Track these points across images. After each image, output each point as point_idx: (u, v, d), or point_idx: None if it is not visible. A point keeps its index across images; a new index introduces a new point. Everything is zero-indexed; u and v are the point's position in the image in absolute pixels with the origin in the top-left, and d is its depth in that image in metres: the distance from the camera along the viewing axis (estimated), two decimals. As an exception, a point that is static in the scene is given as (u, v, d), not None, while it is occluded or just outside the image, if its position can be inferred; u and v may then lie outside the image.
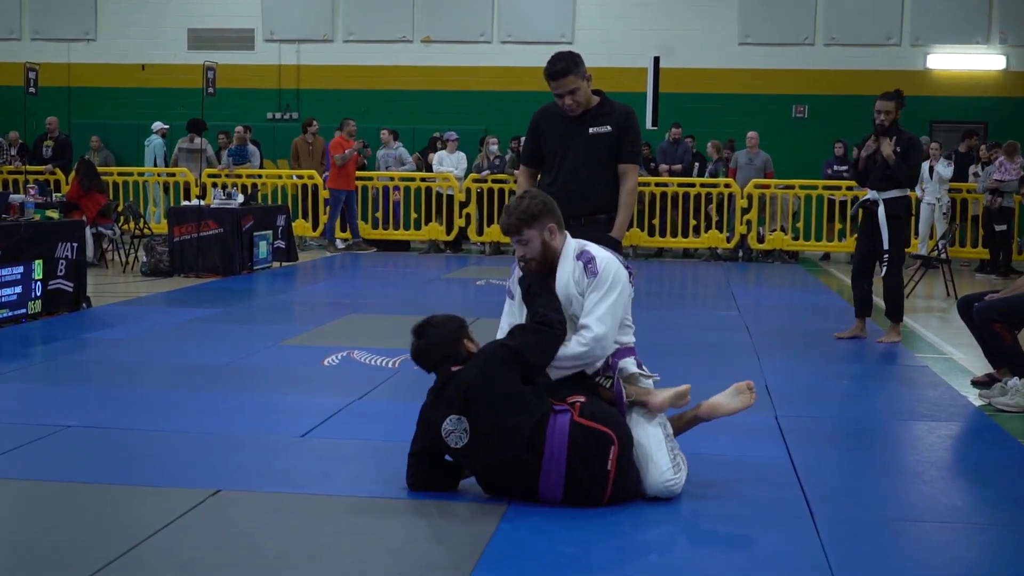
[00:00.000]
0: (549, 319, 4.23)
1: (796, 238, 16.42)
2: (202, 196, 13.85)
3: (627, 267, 4.49)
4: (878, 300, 8.84)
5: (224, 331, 8.58)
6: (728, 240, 16.34)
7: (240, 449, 5.03)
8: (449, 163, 16.96)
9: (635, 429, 4.29)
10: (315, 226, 16.80)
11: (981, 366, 7.08)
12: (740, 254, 16.30)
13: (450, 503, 4.19)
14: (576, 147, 5.50)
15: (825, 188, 16.36)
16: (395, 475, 4.38)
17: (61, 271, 9.16)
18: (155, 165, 18.02)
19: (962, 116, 18.80)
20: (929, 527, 4.15)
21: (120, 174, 17.23)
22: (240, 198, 13.40)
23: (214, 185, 15.23)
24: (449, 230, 16.73)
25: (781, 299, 11.81)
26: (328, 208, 16.45)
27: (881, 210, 8.35)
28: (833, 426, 5.72)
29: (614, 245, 5.50)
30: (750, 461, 4.84)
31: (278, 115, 20.50)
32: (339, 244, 16.44)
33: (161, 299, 10.51)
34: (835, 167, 16.61)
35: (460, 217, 16.65)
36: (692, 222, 16.38)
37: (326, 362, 7.17)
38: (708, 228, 16.40)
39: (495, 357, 4.19)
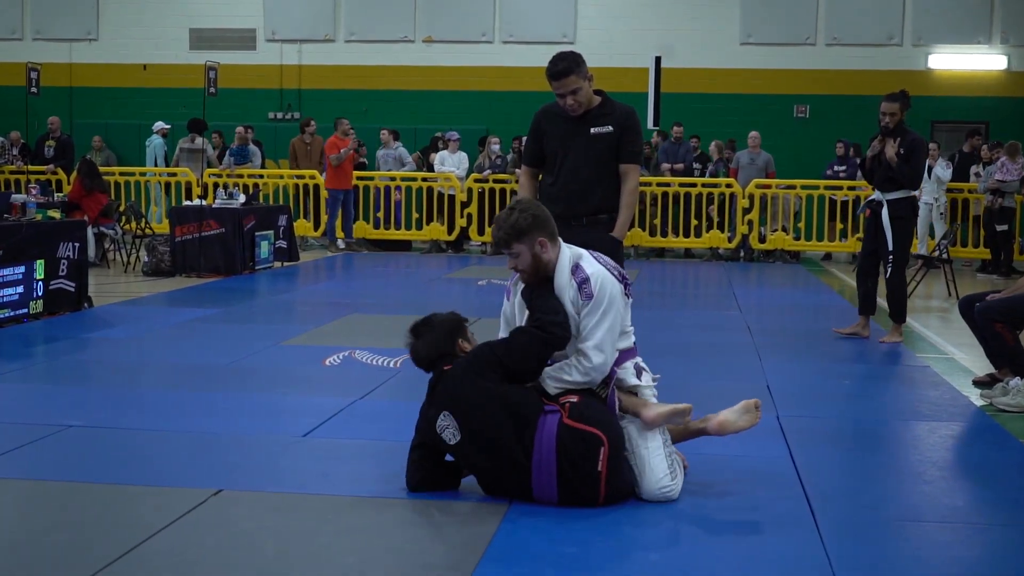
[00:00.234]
0: (545, 322, 4.21)
1: (797, 238, 16.42)
2: (203, 196, 13.86)
3: (622, 277, 4.39)
4: (881, 300, 8.83)
5: (225, 331, 8.58)
6: (729, 240, 16.34)
7: (241, 449, 5.03)
8: (451, 163, 16.97)
9: (632, 434, 4.28)
10: (316, 226, 16.81)
11: (982, 366, 7.07)
12: (741, 254, 16.30)
13: (451, 503, 4.19)
14: (577, 147, 5.50)
15: (826, 188, 16.35)
16: (396, 475, 4.38)
17: (63, 271, 9.17)
18: (155, 165, 18.03)
19: (963, 116, 18.79)
20: (930, 527, 4.15)
21: (122, 174, 17.24)
22: (242, 198, 13.41)
23: (215, 185, 15.24)
24: (450, 230, 16.73)
25: (782, 299, 11.81)
26: (328, 208, 16.47)
27: (885, 211, 8.35)
28: (834, 426, 5.72)
29: (615, 245, 5.52)
30: (751, 461, 4.84)
31: (279, 115, 20.51)
32: (340, 244, 16.45)
33: (163, 299, 10.52)
34: (835, 167, 16.61)
35: (461, 217, 16.66)
36: (694, 222, 16.38)
37: (327, 362, 7.17)
38: (709, 228, 16.40)
39: (480, 359, 4.21)
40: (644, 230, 16.38)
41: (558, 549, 3.74)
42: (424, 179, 16.95)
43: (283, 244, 13.94)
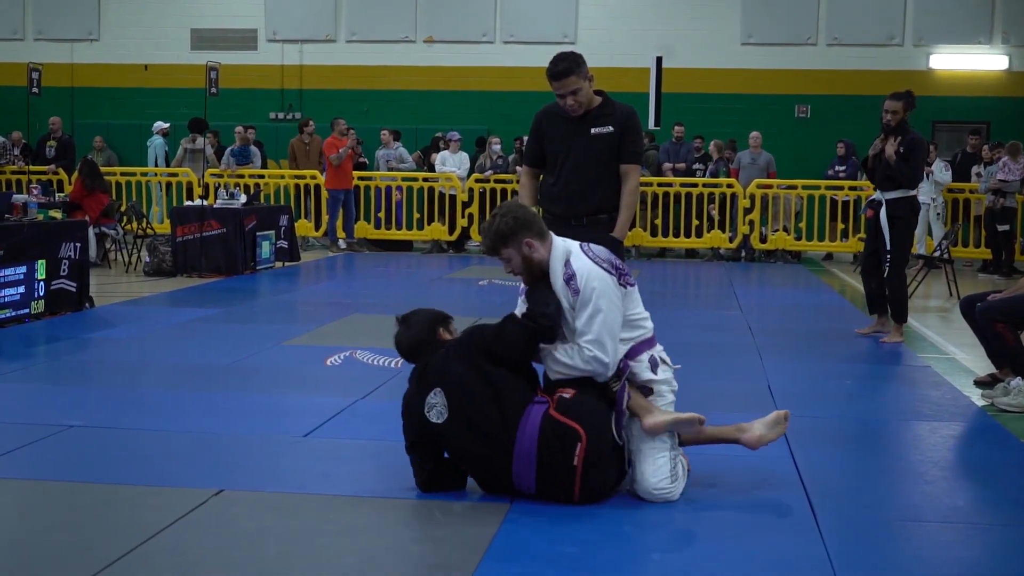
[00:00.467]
0: (535, 314, 4.24)
1: (799, 238, 16.41)
2: (205, 196, 13.86)
3: (614, 268, 4.33)
4: (881, 300, 8.84)
5: (227, 331, 8.59)
6: (731, 240, 16.34)
7: (242, 449, 5.04)
8: (452, 163, 16.98)
9: (635, 432, 4.27)
10: (317, 226, 16.82)
11: (984, 366, 7.07)
12: (743, 254, 16.29)
13: (452, 503, 4.19)
14: (578, 147, 5.51)
15: (827, 188, 16.35)
16: (397, 475, 4.38)
17: (64, 271, 9.17)
18: (156, 165, 18.04)
19: (964, 116, 18.79)
20: (932, 527, 4.15)
21: (123, 174, 17.24)
22: (243, 198, 13.42)
23: (216, 185, 15.25)
24: (451, 230, 16.73)
25: (784, 299, 11.80)
26: (328, 209, 16.48)
27: (883, 210, 8.35)
28: (836, 426, 5.72)
29: (615, 245, 5.51)
30: (752, 461, 4.83)
31: (281, 115, 20.52)
32: (341, 244, 16.46)
33: (164, 299, 10.52)
34: (836, 167, 16.61)
35: (463, 217, 16.66)
36: (695, 222, 16.37)
37: (328, 362, 7.17)
38: (711, 228, 16.40)
39: (470, 342, 4.26)
40: (645, 230, 16.38)
41: (558, 549, 3.74)
42: (425, 179, 16.96)
43: (284, 244, 13.94)
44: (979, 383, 6.82)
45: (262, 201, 14.83)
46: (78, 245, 9.41)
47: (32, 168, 16.72)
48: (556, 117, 5.59)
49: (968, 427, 5.89)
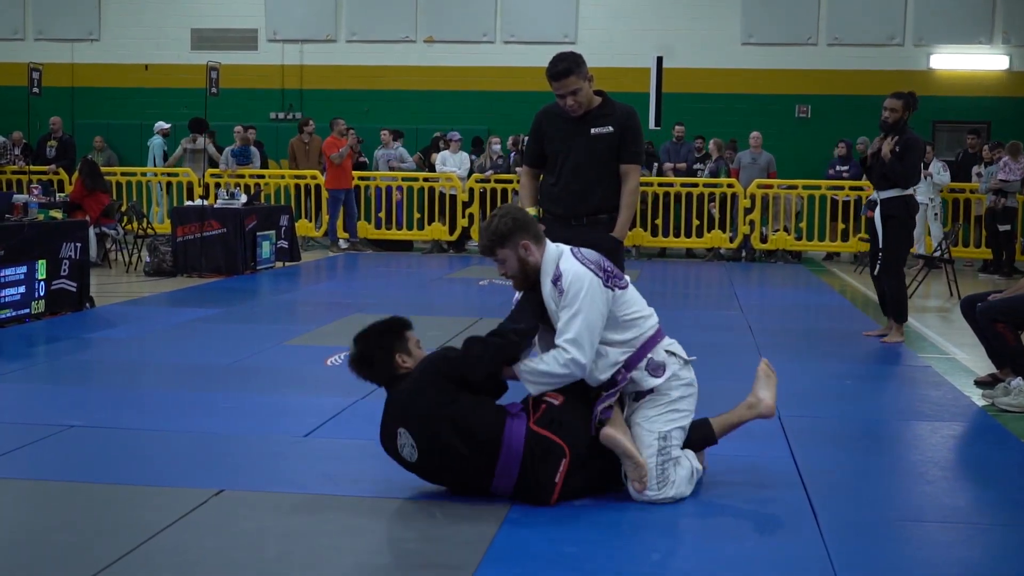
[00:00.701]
0: (505, 329, 4.22)
1: (799, 238, 16.41)
2: (205, 196, 13.86)
3: (603, 271, 4.29)
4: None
5: (227, 331, 8.59)
6: (731, 240, 16.34)
7: (242, 449, 5.04)
8: (452, 163, 16.98)
9: (632, 433, 4.27)
10: (318, 226, 16.82)
11: (984, 366, 7.07)
12: (743, 254, 16.30)
13: (452, 503, 4.19)
14: (578, 147, 5.51)
15: (828, 188, 16.35)
16: (398, 475, 4.38)
17: (64, 271, 9.17)
18: (155, 165, 18.04)
19: (965, 116, 18.78)
20: (932, 527, 4.15)
21: (123, 174, 17.25)
22: (243, 198, 13.42)
23: (217, 185, 15.25)
24: (452, 230, 16.73)
25: (784, 299, 11.80)
26: (329, 209, 16.48)
27: (878, 210, 8.36)
28: (836, 426, 5.72)
29: (616, 245, 5.52)
30: (753, 461, 4.84)
31: (281, 115, 20.51)
32: (341, 244, 16.46)
33: (164, 299, 10.52)
34: (838, 167, 16.61)
35: (463, 217, 16.66)
36: (695, 222, 16.37)
37: (329, 362, 7.17)
38: (711, 228, 16.40)
39: (425, 376, 4.15)
40: (646, 230, 16.38)
41: (558, 549, 3.74)
42: (425, 179, 16.95)
43: (284, 244, 13.94)
44: (979, 383, 6.82)
45: (262, 201, 14.83)
46: (78, 245, 9.41)
47: (32, 168, 16.73)
48: (556, 117, 5.59)
49: (968, 427, 5.89)
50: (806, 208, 16.39)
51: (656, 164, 17.18)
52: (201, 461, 4.82)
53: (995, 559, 3.85)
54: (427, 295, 11.38)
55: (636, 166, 5.60)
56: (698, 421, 4.47)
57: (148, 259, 12.61)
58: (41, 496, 4.33)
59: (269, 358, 7.35)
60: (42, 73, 14.59)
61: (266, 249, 13.26)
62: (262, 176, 17.01)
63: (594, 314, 4.22)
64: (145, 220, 14.35)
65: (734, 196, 16.26)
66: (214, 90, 13.82)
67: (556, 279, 4.26)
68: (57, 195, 14.13)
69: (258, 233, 13.04)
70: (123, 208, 14.74)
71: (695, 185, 16.50)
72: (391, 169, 17.27)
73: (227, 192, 13.48)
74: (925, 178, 14.78)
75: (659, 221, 16.47)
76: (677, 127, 17.43)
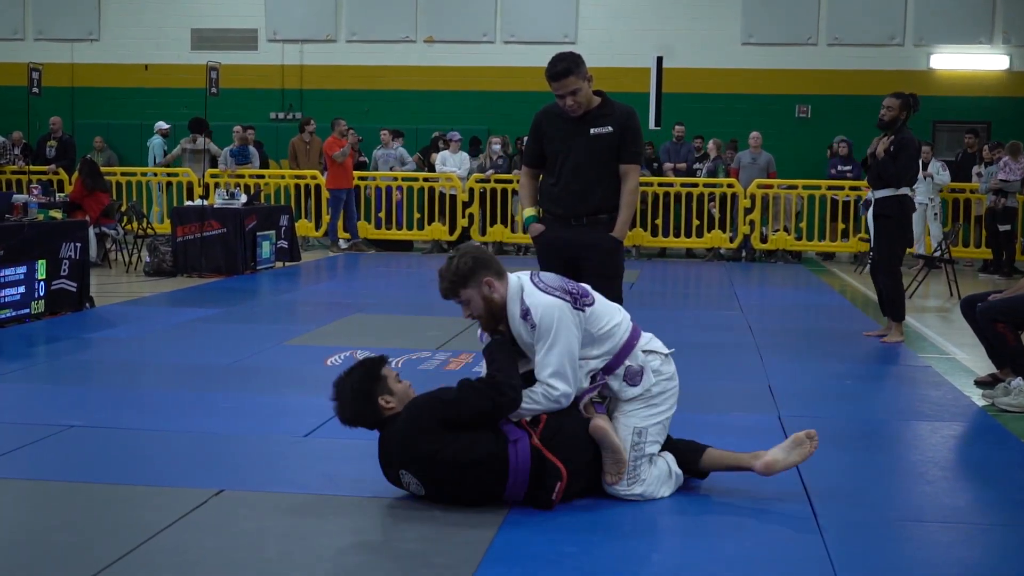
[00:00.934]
0: (500, 383, 4.12)
1: (799, 238, 16.41)
2: (205, 196, 13.86)
3: (568, 294, 4.23)
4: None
5: (227, 331, 8.58)
6: (731, 240, 16.34)
7: (242, 449, 5.04)
8: (452, 163, 16.98)
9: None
10: (318, 226, 16.82)
11: (984, 366, 7.07)
12: (743, 254, 16.30)
13: (452, 504, 4.18)
14: (578, 147, 5.51)
15: (828, 188, 16.35)
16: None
17: (64, 271, 9.17)
18: (154, 165, 18.05)
19: (965, 116, 18.78)
20: (932, 527, 4.15)
21: (123, 174, 17.25)
22: (243, 198, 13.42)
23: (216, 185, 15.25)
24: (452, 230, 16.73)
25: (784, 299, 11.80)
26: (329, 208, 16.48)
27: (871, 209, 8.37)
28: (836, 426, 5.71)
29: (615, 245, 5.52)
30: (753, 461, 4.83)
31: (281, 115, 20.52)
32: (342, 244, 16.46)
33: (164, 299, 10.52)
34: (839, 167, 16.61)
35: (463, 217, 16.66)
36: (695, 222, 16.37)
37: (329, 362, 7.17)
38: (711, 228, 16.40)
39: (418, 422, 4.10)
40: (646, 230, 16.38)
41: (558, 549, 3.74)
42: (425, 179, 16.96)
43: (284, 244, 13.94)
44: (979, 383, 6.82)
45: (262, 201, 14.83)
46: (78, 245, 9.41)
47: (32, 168, 16.73)
48: (556, 117, 5.59)
49: (968, 427, 5.89)
50: (806, 208, 16.39)
51: (656, 164, 17.19)
52: (201, 461, 4.82)
53: (995, 559, 3.85)
54: (427, 295, 11.33)
55: (636, 166, 5.60)
56: (695, 444, 4.46)
57: (148, 259, 12.62)
58: (41, 496, 4.33)
59: (269, 358, 7.35)
60: (42, 73, 14.58)
61: (266, 249, 13.26)
62: (262, 176, 17.01)
63: (570, 341, 4.19)
64: (145, 220, 14.35)
65: (734, 196, 16.26)
66: (214, 90, 13.82)
67: (525, 313, 4.22)
68: (57, 195, 14.12)
69: (258, 233, 13.05)
70: (123, 208, 14.74)
71: (695, 185, 16.51)
72: (391, 170, 17.27)
73: (227, 192, 13.49)
74: (924, 178, 14.78)
75: (659, 221, 16.47)
76: (677, 127, 17.43)
